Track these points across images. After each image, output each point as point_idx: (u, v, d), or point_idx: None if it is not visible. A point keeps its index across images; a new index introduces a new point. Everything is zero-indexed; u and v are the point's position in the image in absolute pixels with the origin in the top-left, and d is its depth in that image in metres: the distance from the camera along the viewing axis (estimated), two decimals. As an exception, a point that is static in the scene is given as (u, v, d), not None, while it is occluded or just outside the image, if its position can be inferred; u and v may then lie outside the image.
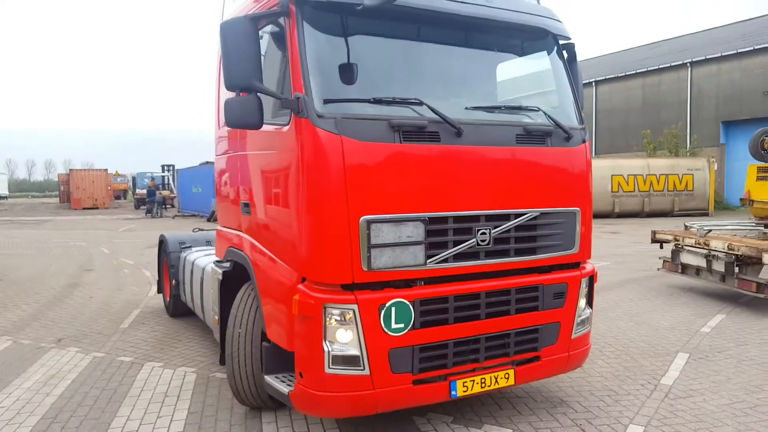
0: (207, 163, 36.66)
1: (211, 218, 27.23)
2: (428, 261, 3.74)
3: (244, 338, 4.38)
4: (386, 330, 3.63)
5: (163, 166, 49.89)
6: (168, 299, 8.02)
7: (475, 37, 4.25)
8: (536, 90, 4.72)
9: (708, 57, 31.46)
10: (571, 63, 4.66)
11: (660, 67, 33.99)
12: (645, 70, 34.92)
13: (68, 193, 47.26)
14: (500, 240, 3.99)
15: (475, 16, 4.03)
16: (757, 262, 7.81)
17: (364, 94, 3.73)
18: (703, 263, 8.63)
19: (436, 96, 3.95)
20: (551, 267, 4.29)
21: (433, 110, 3.75)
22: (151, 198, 34.70)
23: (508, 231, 4.01)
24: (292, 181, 3.76)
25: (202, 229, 8.37)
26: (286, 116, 3.78)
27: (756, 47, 29.20)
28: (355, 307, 3.57)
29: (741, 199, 11.17)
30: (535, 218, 4.12)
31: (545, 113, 4.29)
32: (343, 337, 3.60)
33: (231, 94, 3.89)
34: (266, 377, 4.15)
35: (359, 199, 3.55)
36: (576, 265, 4.45)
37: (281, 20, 3.80)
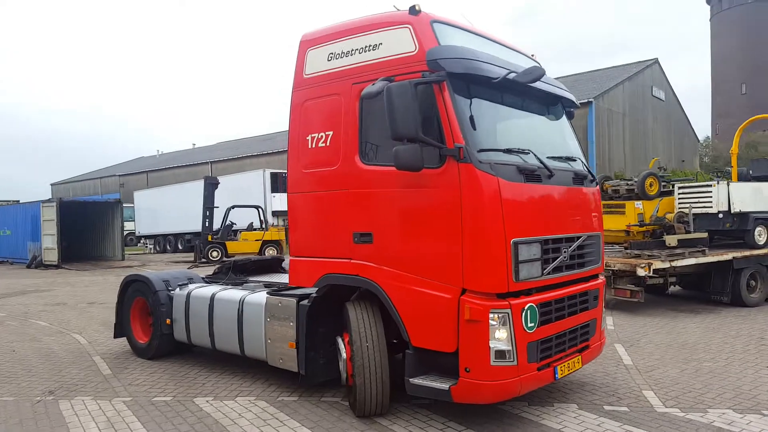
0: (6, 202, 31.68)
1: (32, 264, 23.63)
2: (543, 273, 4.89)
3: (373, 350, 4.99)
4: (525, 328, 4.67)
5: None
6: (146, 342, 7.67)
7: (550, 107, 5.75)
8: (560, 143, 6.18)
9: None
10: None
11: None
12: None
13: None
14: (571, 256, 5.30)
15: (551, 92, 5.51)
16: (629, 275, 10.26)
17: (494, 144, 4.82)
18: (584, 278, 10.95)
19: (532, 145, 5.17)
20: (590, 277, 5.72)
21: (537, 158, 4.98)
22: None
23: (574, 249, 5.35)
24: (454, 213, 4.60)
25: (197, 265, 8.22)
26: (435, 160, 4.65)
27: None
28: (509, 311, 4.55)
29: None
30: (584, 240, 5.52)
31: (581, 161, 5.78)
32: (501, 335, 4.54)
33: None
34: (412, 380, 4.81)
35: (510, 225, 4.58)
36: (597, 276, 5.94)
37: (431, 87, 4.69)
